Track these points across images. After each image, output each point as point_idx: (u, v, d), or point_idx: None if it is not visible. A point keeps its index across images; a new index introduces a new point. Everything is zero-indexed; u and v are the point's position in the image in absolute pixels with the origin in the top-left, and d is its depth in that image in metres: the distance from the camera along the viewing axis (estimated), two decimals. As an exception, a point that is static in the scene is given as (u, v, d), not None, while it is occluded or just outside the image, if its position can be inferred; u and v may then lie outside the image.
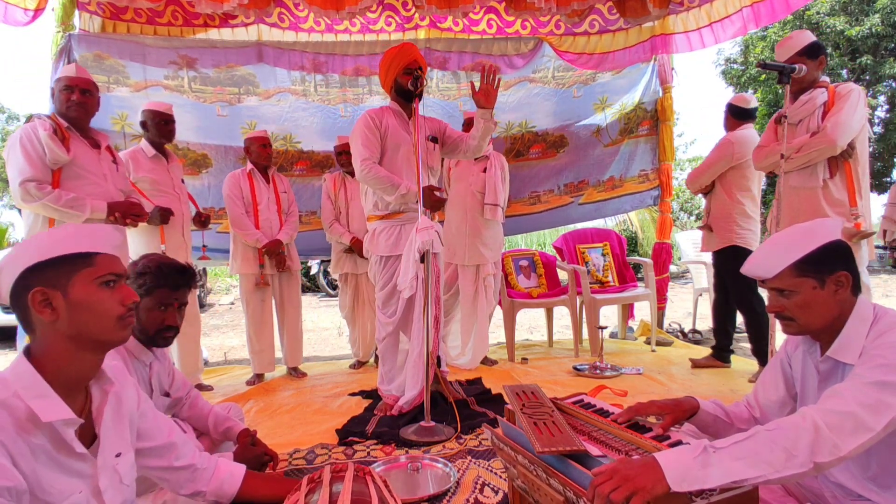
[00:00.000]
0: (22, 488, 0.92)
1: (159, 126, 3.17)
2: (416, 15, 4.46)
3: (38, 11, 3.56)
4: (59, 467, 0.99)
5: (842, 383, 1.12)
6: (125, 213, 2.68)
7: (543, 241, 11.15)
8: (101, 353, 1.10)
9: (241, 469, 1.41)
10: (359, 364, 3.93)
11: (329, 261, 4.03)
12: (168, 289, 1.66)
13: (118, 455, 1.11)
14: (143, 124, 3.19)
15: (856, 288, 1.24)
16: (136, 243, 3.10)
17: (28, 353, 1.04)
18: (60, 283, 1.02)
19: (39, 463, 0.96)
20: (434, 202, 2.64)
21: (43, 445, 0.97)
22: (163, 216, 3.04)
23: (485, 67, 2.63)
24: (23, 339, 3.26)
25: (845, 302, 1.23)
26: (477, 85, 2.64)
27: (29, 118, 2.64)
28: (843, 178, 2.66)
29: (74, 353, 1.04)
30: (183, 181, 3.37)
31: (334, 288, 4.05)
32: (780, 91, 2.71)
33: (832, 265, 1.22)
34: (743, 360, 3.67)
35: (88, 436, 1.08)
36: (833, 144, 2.56)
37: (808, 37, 2.73)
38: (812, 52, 2.69)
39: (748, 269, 1.33)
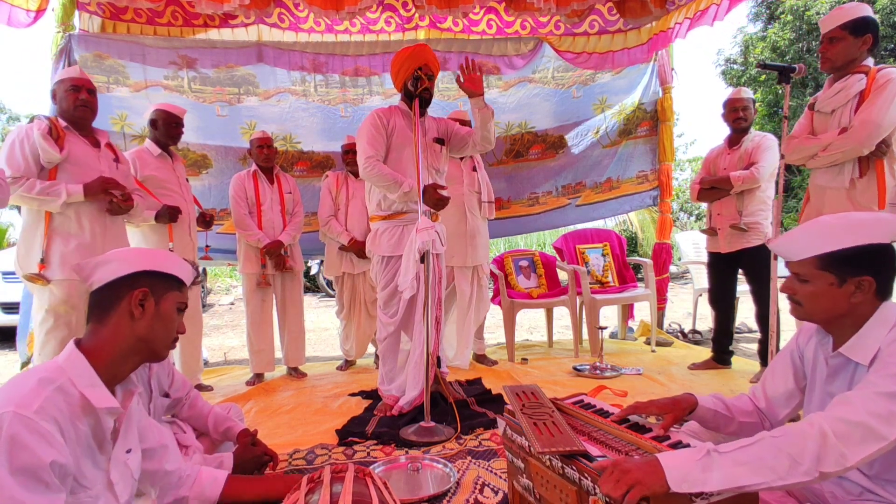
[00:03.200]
0: (70, 470, 0.99)
1: (169, 127, 3.20)
2: (416, 15, 4.46)
3: (40, 12, 3.57)
4: (90, 457, 1.07)
5: (853, 391, 1.09)
6: (103, 187, 2.56)
7: (543, 241, 11.14)
8: (142, 361, 1.23)
9: (223, 474, 1.43)
10: (347, 364, 3.93)
11: (329, 261, 4.01)
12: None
13: (128, 451, 1.18)
14: (153, 123, 3.20)
15: (882, 293, 1.19)
16: (145, 242, 3.12)
17: (79, 345, 1.13)
18: (159, 293, 1.21)
19: (81, 449, 1.04)
20: (436, 200, 2.61)
21: (85, 433, 1.06)
22: (171, 214, 3.06)
23: (466, 60, 2.62)
24: (23, 340, 3.27)
25: (861, 305, 1.18)
26: (461, 78, 2.62)
27: (31, 119, 2.60)
28: (874, 178, 2.40)
29: (129, 353, 1.17)
30: (188, 181, 3.38)
31: (334, 289, 4.04)
32: (781, 91, 2.64)
33: (859, 268, 1.16)
34: (743, 361, 3.67)
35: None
36: (860, 145, 2.36)
37: (860, 10, 2.41)
38: (857, 28, 2.38)
39: (776, 244, 1.30)
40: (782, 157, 2.57)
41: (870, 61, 2.47)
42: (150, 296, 1.18)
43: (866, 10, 2.43)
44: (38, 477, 0.92)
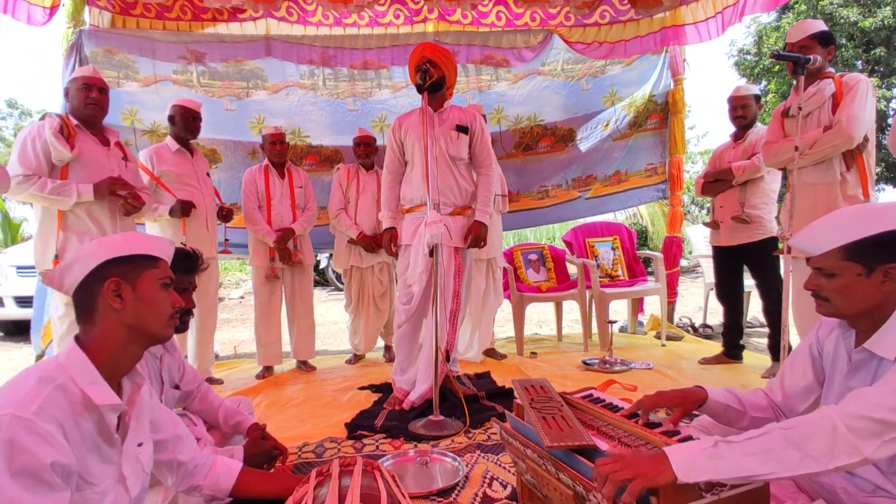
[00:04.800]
0: (73, 468, 0.98)
1: (187, 122, 3.23)
2: (425, 8, 4.44)
3: (54, 9, 3.62)
4: (98, 452, 1.07)
5: (869, 387, 1.08)
6: (110, 188, 2.62)
7: (553, 234, 11.10)
8: (144, 348, 1.21)
9: (237, 465, 1.43)
10: (356, 358, 3.94)
11: (339, 255, 4.02)
12: (182, 273, 1.70)
13: (139, 445, 1.17)
14: (171, 118, 3.24)
15: None
16: (162, 236, 3.15)
17: (78, 341, 1.11)
18: (131, 278, 1.15)
19: (85, 446, 1.03)
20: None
21: (90, 429, 1.05)
22: (184, 209, 3.09)
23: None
24: (37, 333, 3.32)
25: (891, 295, 1.16)
26: None
27: (42, 116, 2.65)
28: (857, 171, 2.60)
29: (126, 344, 1.14)
30: (209, 175, 3.40)
31: (343, 282, 4.06)
32: (794, 82, 2.61)
33: (885, 255, 1.14)
34: (754, 356, 3.64)
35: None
36: (850, 139, 2.50)
37: (821, 24, 2.71)
38: (823, 40, 2.65)
39: (796, 241, 1.28)
40: (796, 148, 2.54)
41: (831, 70, 2.71)
42: (124, 283, 1.13)
43: (825, 25, 2.73)
44: (40, 478, 0.92)
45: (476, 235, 2.72)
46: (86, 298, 1.13)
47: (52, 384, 1.00)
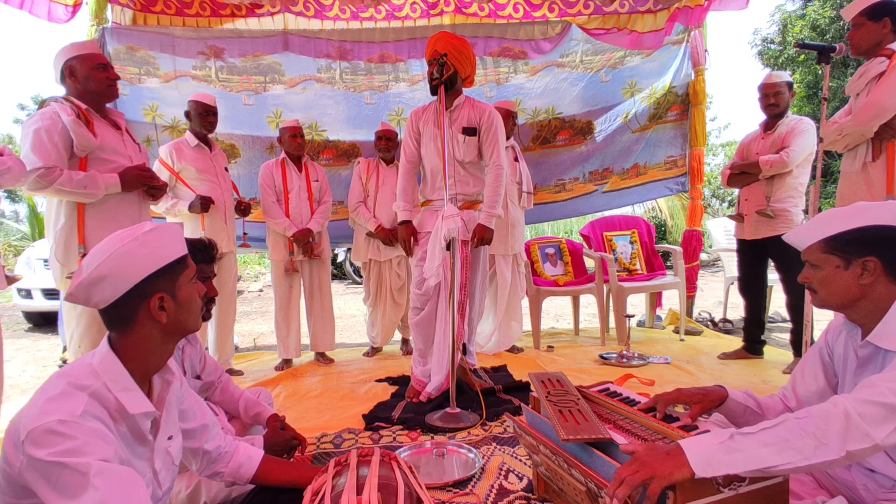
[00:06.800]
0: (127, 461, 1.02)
1: (201, 116, 3.27)
2: (442, 0, 4.42)
3: (77, 6, 3.69)
4: (133, 452, 1.09)
5: (877, 375, 1.08)
6: (139, 180, 2.49)
7: (570, 228, 11.03)
8: (177, 342, 1.20)
9: (259, 453, 1.46)
10: (373, 351, 3.98)
11: (355, 248, 4.06)
12: (205, 263, 1.74)
13: (170, 438, 1.20)
14: (188, 114, 3.30)
15: (894, 274, 1.19)
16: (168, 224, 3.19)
17: (111, 344, 1.10)
18: (170, 288, 1.12)
19: (121, 448, 1.05)
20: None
21: (125, 433, 1.07)
22: (203, 205, 3.13)
23: None
24: (64, 325, 3.40)
25: (871, 287, 1.19)
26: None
27: (43, 103, 2.39)
28: (885, 162, 2.40)
29: (161, 345, 1.14)
30: (227, 169, 3.44)
31: (361, 276, 4.10)
32: (820, 72, 2.53)
33: (862, 249, 1.19)
34: (776, 351, 3.59)
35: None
36: (862, 126, 2.36)
37: None
38: (874, 14, 2.42)
39: (789, 236, 1.34)
40: (820, 140, 2.49)
41: (891, 46, 2.43)
42: (166, 295, 1.11)
43: None
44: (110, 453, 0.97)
45: (480, 237, 2.70)
46: (123, 313, 1.09)
47: (86, 391, 1.01)
